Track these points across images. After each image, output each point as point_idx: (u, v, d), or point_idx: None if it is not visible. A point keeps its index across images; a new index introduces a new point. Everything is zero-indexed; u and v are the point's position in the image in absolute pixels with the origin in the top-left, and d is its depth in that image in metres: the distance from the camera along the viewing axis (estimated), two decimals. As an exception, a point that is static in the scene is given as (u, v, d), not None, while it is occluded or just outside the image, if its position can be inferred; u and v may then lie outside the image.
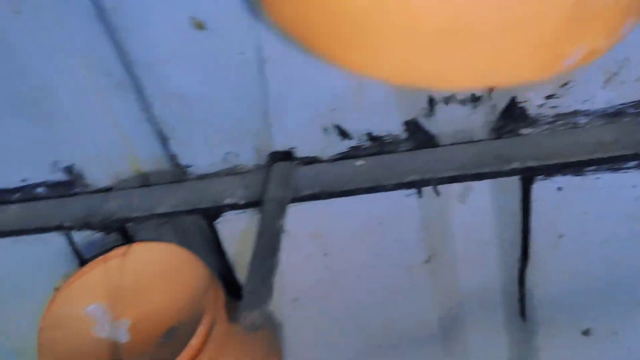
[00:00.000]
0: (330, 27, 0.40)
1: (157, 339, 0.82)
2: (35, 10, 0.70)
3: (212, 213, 0.84)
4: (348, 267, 0.92)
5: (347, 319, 0.99)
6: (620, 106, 0.71)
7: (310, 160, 0.80)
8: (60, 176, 0.86)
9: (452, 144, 0.77)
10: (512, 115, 0.74)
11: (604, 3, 0.37)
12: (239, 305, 0.89)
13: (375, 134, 0.77)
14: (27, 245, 0.92)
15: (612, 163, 0.72)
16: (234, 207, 0.79)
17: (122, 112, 0.80)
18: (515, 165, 0.71)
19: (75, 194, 0.88)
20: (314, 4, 0.40)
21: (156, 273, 0.84)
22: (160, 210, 0.81)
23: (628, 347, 0.97)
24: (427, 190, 0.82)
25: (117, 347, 0.81)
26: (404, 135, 0.77)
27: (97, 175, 0.87)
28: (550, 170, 0.74)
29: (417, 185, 0.75)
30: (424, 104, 0.75)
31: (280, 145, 0.79)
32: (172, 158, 0.82)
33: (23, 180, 0.87)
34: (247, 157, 0.81)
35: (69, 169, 0.85)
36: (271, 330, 0.95)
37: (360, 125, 0.76)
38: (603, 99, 0.71)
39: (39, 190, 0.88)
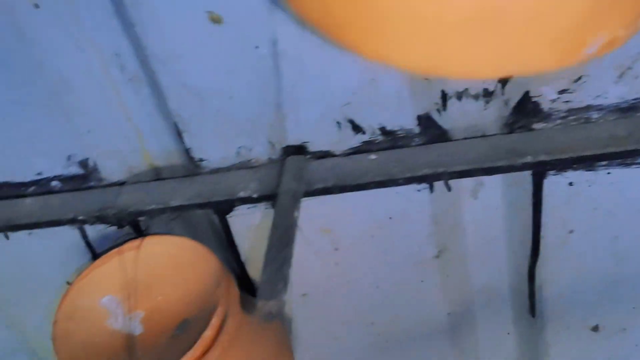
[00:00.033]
0: (354, 16, 0.41)
1: (170, 331, 0.83)
2: (54, 4, 0.71)
3: (225, 207, 0.85)
4: (358, 262, 0.93)
5: (355, 314, 0.99)
6: (634, 101, 0.72)
7: (323, 155, 0.81)
8: (74, 170, 0.87)
9: (465, 139, 0.77)
10: (525, 110, 0.74)
11: (623, -7, 0.38)
12: (250, 299, 0.90)
13: (388, 128, 0.77)
14: (41, 239, 0.93)
15: (625, 158, 0.73)
16: (247, 200, 0.79)
17: (136, 107, 0.81)
18: (528, 159, 0.71)
19: (90, 187, 0.89)
20: (337, -7, 0.41)
21: (169, 266, 0.85)
22: (175, 203, 0.81)
23: (636, 344, 0.98)
24: (439, 185, 0.82)
25: (130, 339, 0.82)
26: (416, 129, 0.77)
27: (111, 169, 0.87)
28: (562, 165, 0.74)
29: (429, 179, 0.76)
30: (437, 98, 0.75)
31: (293, 139, 0.80)
32: (186, 152, 0.83)
33: (38, 174, 0.88)
34: (261, 151, 0.82)
35: (83, 163, 0.86)
36: (281, 324, 0.96)
37: (373, 120, 0.77)
38: (616, 93, 0.71)
39: (54, 183, 0.89)
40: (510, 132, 0.77)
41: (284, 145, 0.81)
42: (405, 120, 0.77)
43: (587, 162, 0.75)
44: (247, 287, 0.96)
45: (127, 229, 0.91)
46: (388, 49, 0.42)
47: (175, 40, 0.72)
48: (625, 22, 0.40)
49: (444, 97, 0.75)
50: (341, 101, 0.75)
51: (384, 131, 0.78)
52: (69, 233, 0.92)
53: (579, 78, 0.70)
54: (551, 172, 0.78)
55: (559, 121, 0.74)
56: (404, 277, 0.93)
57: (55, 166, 0.87)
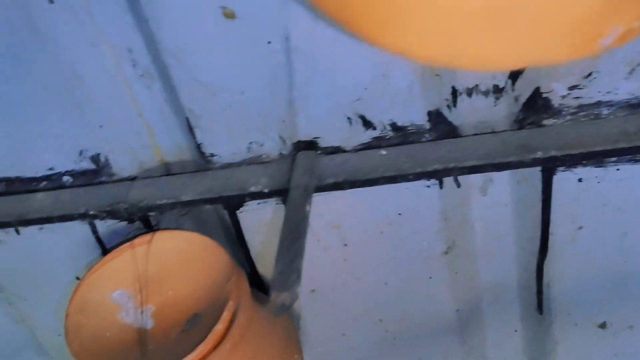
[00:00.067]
0: (370, 6, 0.42)
1: (180, 326, 0.83)
2: (68, 0, 0.72)
3: (236, 202, 0.85)
4: (366, 258, 0.93)
5: (364, 310, 1.00)
6: (644, 97, 0.72)
7: (334, 150, 0.81)
8: (86, 165, 0.88)
9: (475, 135, 0.78)
10: (535, 106, 0.75)
11: (640, -16, 0.38)
12: (259, 295, 0.91)
13: (399, 124, 0.78)
14: (52, 234, 0.93)
15: (634, 154, 0.73)
16: (258, 195, 0.80)
17: (147, 102, 0.82)
18: (539, 155, 0.72)
19: (101, 183, 0.89)
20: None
21: (180, 261, 0.85)
22: (186, 198, 0.82)
23: (644, 342, 0.98)
24: (448, 181, 0.83)
25: (141, 332, 0.82)
26: (427, 125, 0.78)
27: (123, 164, 0.88)
28: (572, 161, 0.74)
29: (440, 174, 0.76)
30: (447, 94, 0.76)
31: (304, 135, 0.80)
32: (197, 147, 0.84)
33: (50, 169, 0.88)
34: (272, 147, 0.82)
35: (95, 158, 0.87)
36: (290, 320, 0.96)
37: (384, 115, 0.77)
38: (626, 90, 0.72)
39: (65, 178, 0.89)
40: (520, 128, 0.77)
41: (294, 141, 0.81)
42: (415, 116, 0.77)
43: (597, 158, 0.75)
44: (256, 282, 0.97)
45: (137, 224, 0.91)
46: (404, 39, 0.43)
47: (188, 35, 0.72)
48: (642, 13, 0.40)
49: (454, 93, 0.76)
50: (352, 97, 0.76)
51: (394, 127, 0.78)
52: (80, 228, 0.93)
53: (590, 74, 0.71)
54: (561, 168, 0.78)
55: (569, 117, 0.75)
56: (413, 274, 0.94)
57: (67, 161, 0.87)
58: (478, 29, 0.39)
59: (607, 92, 0.72)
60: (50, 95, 0.81)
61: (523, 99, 0.75)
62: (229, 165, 0.85)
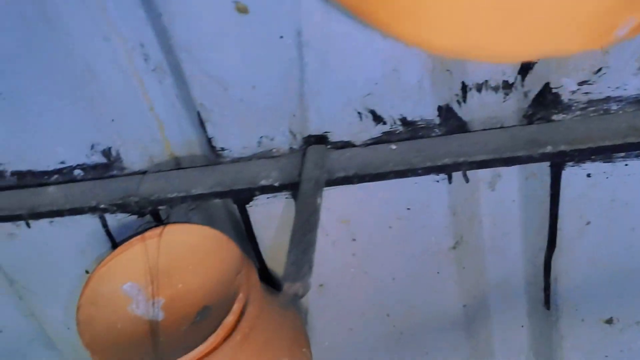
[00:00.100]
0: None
1: (191, 318, 0.84)
2: (82, -6, 0.73)
3: (246, 196, 0.86)
4: (375, 253, 0.94)
5: (371, 305, 1.00)
6: (653, 93, 0.73)
7: (344, 145, 0.82)
8: (97, 159, 0.88)
9: (485, 130, 0.78)
10: (545, 102, 0.75)
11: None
12: (268, 288, 0.91)
13: (409, 119, 0.78)
14: (63, 227, 0.94)
15: (643, 149, 0.74)
16: (268, 189, 0.81)
17: (159, 97, 0.83)
18: (548, 149, 0.72)
19: (112, 176, 0.90)
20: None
21: (190, 254, 0.86)
22: (196, 191, 0.82)
23: (650, 338, 0.98)
24: (457, 176, 0.83)
25: (152, 324, 0.83)
26: (437, 120, 0.78)
27: (133, 158, 0.89)
28: (581, 156, 0.75)
29: (449, 169, 0.77)
30: (457, 90, 0.76)
31: (315, 129, 0.81)
32: (208, 141, 0.84)
33: (61, 163, 0.89)
34: (282, 141, 0.83)
35: (106, 152, 0.88)
36: (298, 314, 0.97)
37: (394, 110, 0.78)
38: (635, 85, 0.72)
39: (77, 172, 0.90)
40: (529, 123, 0.78)
41: (305, 135, 0.82)
42: (425, 111, 0.78)
43: (606, 154, 0.75)
44: (264, 277, 0.97)
45: (147, 217, 0.92)
46: (419, 29, 0.43)
47: (201, 29, 0.73)
48: (656, 5, 0.41)
49: (464, 88, 0.76)
50: (363, 92, 0.77)
51: (404, 122, 0.79)
52: (90, 222, 0.93)
53: (599, 70, 0.71)
54: (569, 163, 0.79)
55: (578, 112, 0.75)
56: (420, 269, 0.94)
57: (78, 155, 0.88)
58: (494, 19, 0.40)
59: (617, 88, 0.73)
60: (62, 89, 0.81)
61: (533, 95, 0.75)
62: (239, 160, 0.85)
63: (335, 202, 0.86)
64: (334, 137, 0.82)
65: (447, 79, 0.75)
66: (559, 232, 0.86)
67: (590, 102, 0.74)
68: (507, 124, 0.79)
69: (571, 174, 0.80)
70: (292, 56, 0.74)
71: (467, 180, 0.84)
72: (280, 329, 0.87)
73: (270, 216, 0.90)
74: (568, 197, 0.82)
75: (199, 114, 0.81)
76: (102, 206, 0.86)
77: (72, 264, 0.98)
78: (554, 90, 0.74)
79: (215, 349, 0.73)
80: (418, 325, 1.01)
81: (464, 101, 0.77)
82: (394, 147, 0.79)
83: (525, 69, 0.73)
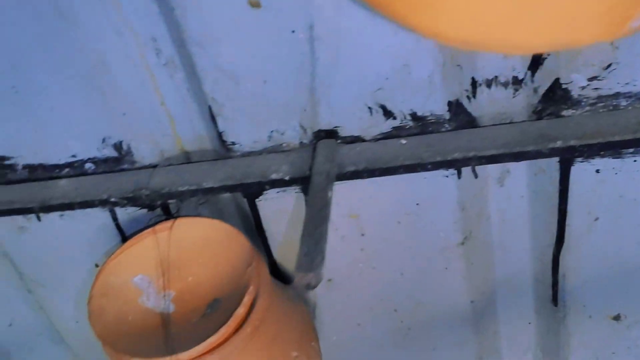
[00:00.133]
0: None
1: (201, 310, 0.84)
2: (96, -12, 0.73)
3: (256, 190, 0.86)
4: (383, 248, 0.94)
5: (379, 300, 1.01)
6: (663, 88, 0.73)
7: (354, 140, 0.82)
8: (108, 152, 0.89)
9: (494, 125, 0.79)
10: (554, 97, 0.75)
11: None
12: (277, 282, 0.92)
13: (419, 114, 0.79)
14: (73, 221, 0.95)
15: (653, 144, 0.74)
16: (279, 183, 0.81)
17: (170, 91, 0.83)
18: (558, 144, 0.72)
19: (122, 170, 0.90)
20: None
21: (200, 247, 0.86)
22: (207, 185, 0.83)
23: (657, 335, 0.99)
24: (466, 171, 0.84)
25: (163, 317, 0.84)
26: (447, 115, 0.79)
27: (144, 152, 0.89)
28: (591, 151, 0.75)
29: (459, 164, 0.77)
30: (467, 85, 0.77)
31: (325, 124, 0.82)
32: (218, 136, 0.85)
33: (73, 156, 0.90)
34: (293, 136, 0.83)
35: (117, 146, 0.88)
36: (307, 308, 0.97)
37: (404, 105, 0.78)
38: (645, 81, 0.73)
39: (88, 165, 0.91)
40: (539, 119, 0.78)
41: (315, 130, 0.82)
42: (435, 106, 0.78)
43: (615, 149, 0.76)
44: (273, 271, 0.98)
45: (158, 211, 0.93)
46: (435, 20, 0.44)
47: (214, 24, 0.73)
48: (670, -3, 0.41)
49: (474, 84, 0.77)
50: (374, 86, 0.77)
51: (414, 117, 0.79)
52: (100, 215, 0.94)
53: (609, 65, 0.72)
54: (578, 159, 0.79)
55: (587, 108, 0.76)
56: (429, 264, 0.95)
57: (89, 148, 0.89)
58: (510, 9, 0.40)
59: (626, 84, 0.73)
60: (74, 83, 0.82)
61: (542, 90, 0.76)
62: (249, 154, 0.86)
63: (344, 197, 0.87)
64: (344, 132, 0.82)
65: (458, 75, 0.76)
66: (567, 228, 0.86)
67: (600, 98, 0.75)
68: (516, 119, 0.79)
69: (580, 170, 0.80)
70: (304, 51, 0.75)
71: (476, 176, 0.84)
72: (290, 322, 0.88)
73: (280, 211, 0.91)
74: (577, 193, 0.82)
75: (210, 108, 0.82)
76: (112, 199, 0.87)
77: (82, 258, 0.99)
78: (563, 86, 0.74)
79: (225, 340, 0.74)
80: (426, 320, 1.02)
81: (474, 97, 0.78)
82: (403, 141, 0.80)
83: (535, 64, 0.74)
